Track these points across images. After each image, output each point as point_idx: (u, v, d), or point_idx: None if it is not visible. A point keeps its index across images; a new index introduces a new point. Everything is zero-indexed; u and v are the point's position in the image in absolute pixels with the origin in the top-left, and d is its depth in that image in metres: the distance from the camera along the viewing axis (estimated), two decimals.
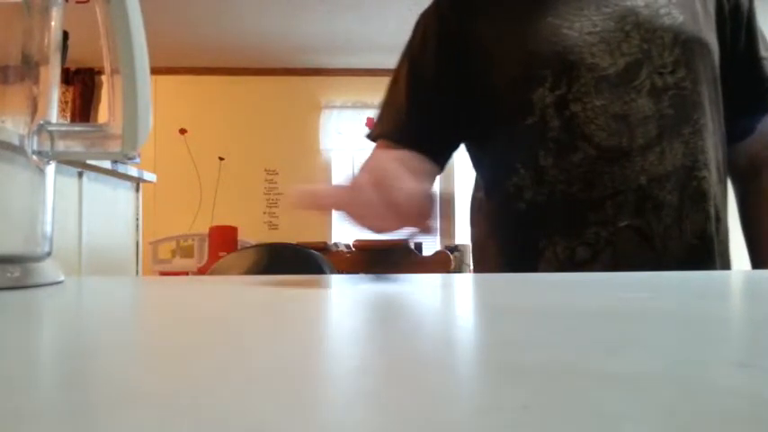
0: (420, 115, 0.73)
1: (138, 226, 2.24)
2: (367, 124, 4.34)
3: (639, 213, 0.62)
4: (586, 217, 0.64)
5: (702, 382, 0.11)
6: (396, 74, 0.77)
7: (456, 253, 3.05)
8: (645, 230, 0.62)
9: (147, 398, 0.10)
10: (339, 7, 3.43)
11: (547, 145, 0.66)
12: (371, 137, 0.77)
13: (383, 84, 0.79)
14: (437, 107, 0.74)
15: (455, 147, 0.78)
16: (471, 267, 0.87)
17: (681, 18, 0.66)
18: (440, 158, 0.74)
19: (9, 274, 0.33)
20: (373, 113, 0.81)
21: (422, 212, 0.44)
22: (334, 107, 4.40)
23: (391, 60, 0.80)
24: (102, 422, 0.09)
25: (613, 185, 0.63)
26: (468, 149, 0.81)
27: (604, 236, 0.63)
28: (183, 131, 4.35)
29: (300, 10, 3.45)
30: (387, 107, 0.77)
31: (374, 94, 4.25)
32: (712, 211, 0.65)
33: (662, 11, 0.66)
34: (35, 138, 0.36)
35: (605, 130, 0.63)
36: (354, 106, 4.38)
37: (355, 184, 0.45)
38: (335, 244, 2.92)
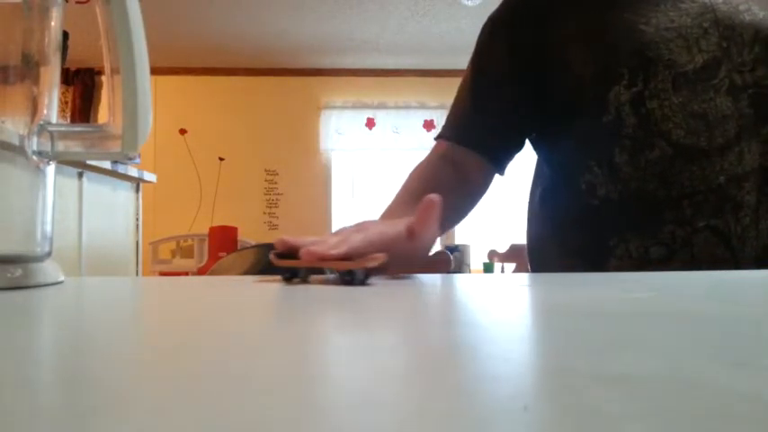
0: (482, 118, 0.75)
1: (138, 226, 2.24)
2: (367, 124, 4.34)
3: (718, 214, 0.62)
4: (662, 215, 0.64)
5: (702, 382, 0.11)
6: (463, 77, 0.79)
7: (456, 253, 3.05)
8: (723, 231, 0.62)
9: (146, 398, 0.10)
10: (339, 7, 3.43)
11: (622, 142, 0.66)
12: (437, 137, 0.79)
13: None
14: (499, 111, 0.75)
15: (517, 149, 0.78)
16: (528, 267, 0.86)
17: (761, 14, 0.65)
18: (500, 160, 0.76)
19: (9, 275, 0.33)
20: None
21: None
22: (334, 107, 4.40)
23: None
24: (101, 422, 0.09)
25: (692, 185, 0.62)
26: (537, 146, 0.80)
27: (681, 235, 0.63)
28: (183, 131, 4.35)
29: (300, 10, 3.45)
30: (452, 109, 0.79)
31: (374, 94, 4.29)
32: None
33: (741, 7, 0.65)
34: (35, 138, 0.36)
35: (683, 128, 0.63)
36: (354, 106, 4.38)
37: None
38: None
